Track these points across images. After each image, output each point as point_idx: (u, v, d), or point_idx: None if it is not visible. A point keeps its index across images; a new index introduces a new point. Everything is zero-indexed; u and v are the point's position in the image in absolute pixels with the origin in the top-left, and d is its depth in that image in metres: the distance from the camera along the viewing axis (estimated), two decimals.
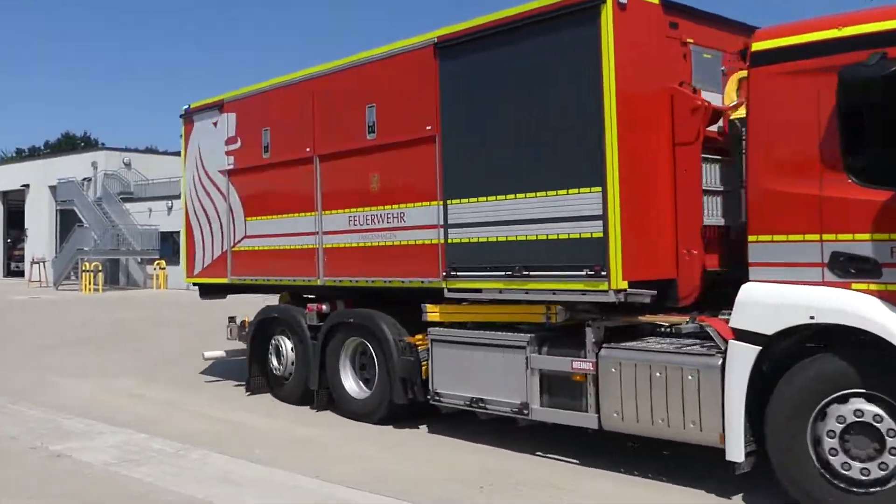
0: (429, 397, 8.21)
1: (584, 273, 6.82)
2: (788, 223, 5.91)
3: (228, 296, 12.16)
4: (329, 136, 9.32)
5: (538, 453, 7.53)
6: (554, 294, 7.13)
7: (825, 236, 5.74)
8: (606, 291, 6.68)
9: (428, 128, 8.11)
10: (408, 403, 8.49)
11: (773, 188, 6.00)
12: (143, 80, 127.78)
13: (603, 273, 6.68)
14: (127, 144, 58.47)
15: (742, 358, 5.93)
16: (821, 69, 5.74)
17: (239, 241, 10.76)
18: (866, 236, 5.55)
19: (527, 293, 7.34)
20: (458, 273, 7.85)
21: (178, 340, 16.66)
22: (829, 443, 5.59)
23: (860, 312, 5.53)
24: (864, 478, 5.48)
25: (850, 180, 5.63)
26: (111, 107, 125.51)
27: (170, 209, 39.81)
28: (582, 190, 6.84)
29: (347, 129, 9.05)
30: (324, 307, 9.59)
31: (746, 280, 6.16)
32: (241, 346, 11.47)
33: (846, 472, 5.54)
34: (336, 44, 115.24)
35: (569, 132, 6.94)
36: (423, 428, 8.65)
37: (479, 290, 7.76)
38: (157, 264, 39.27)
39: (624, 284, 6.65)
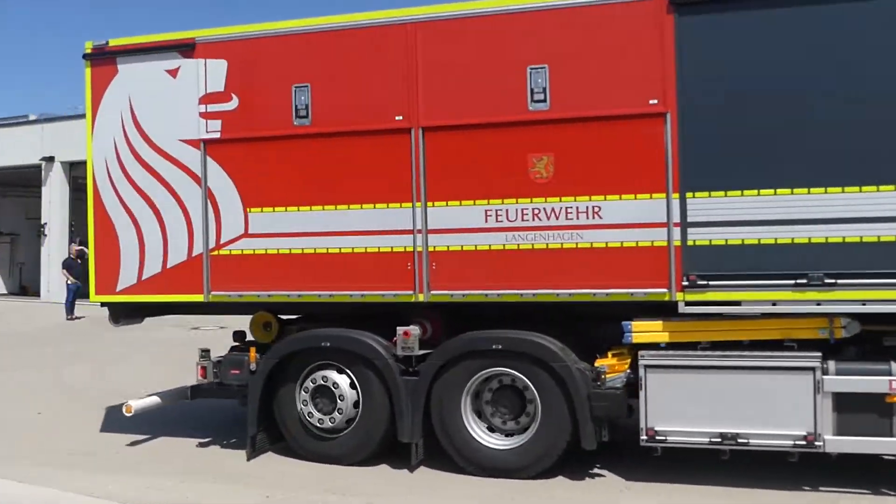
0: (644, 438, 6.58)
1: None
2: None
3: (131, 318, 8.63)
4: (448, 101, 6.96)
5: (805, 487, 6.50)
6: (864, 304, 6.18)
7: None
8: None
9: (652, 101, 6.48)
10: (598, 447, 6.76)
11: None
12: None
13: None
14: None
15: None
16: None
17: (229, 243, 7.58)
18: None
19: (819, 304, 6.25)
20: (710, 283, 6.41)
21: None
22: None
23: None
24: None
25: None
26: None
27: None
28: None
29: (489, 94, 6.86)
30: (417, 330, 7.18)
31: None
32: (182, 386, 8.28)
33: None
34: None
35: None
36: (608, 475, 6.91)
37: (736, 303, 6.42)
38: None
39: None
